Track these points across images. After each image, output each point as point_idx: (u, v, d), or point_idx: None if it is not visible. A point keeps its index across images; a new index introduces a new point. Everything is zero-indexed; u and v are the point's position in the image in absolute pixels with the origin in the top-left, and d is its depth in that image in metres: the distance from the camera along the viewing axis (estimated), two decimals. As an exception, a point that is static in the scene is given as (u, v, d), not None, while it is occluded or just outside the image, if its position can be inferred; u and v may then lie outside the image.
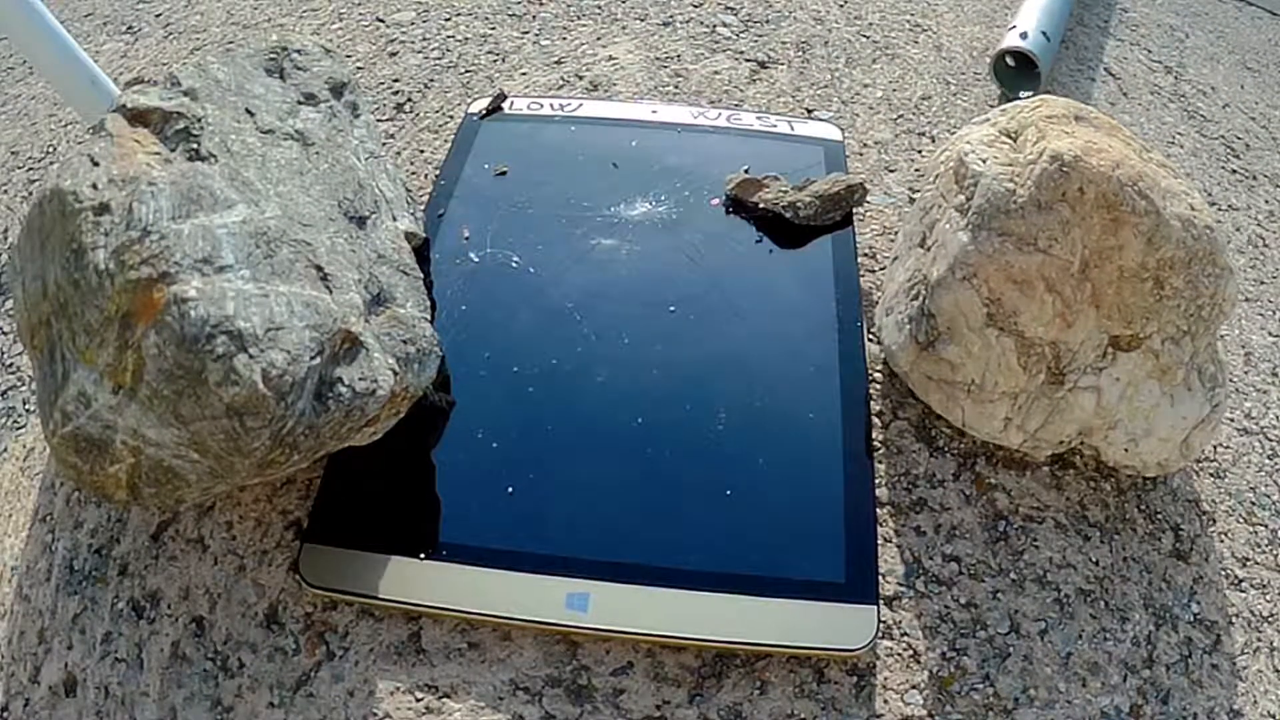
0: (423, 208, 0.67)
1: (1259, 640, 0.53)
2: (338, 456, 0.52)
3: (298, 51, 0.61)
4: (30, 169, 0.78)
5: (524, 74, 0.86)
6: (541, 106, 0.76)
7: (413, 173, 0.76)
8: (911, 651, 0.51)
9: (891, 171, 0.78)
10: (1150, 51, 0.97)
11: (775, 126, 0.76)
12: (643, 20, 0.92)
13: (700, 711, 0.48)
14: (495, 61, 0.87)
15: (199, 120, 0.52)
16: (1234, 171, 0.84)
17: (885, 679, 0.50)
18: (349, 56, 0.87)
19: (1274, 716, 0.51)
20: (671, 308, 0.62)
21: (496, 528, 0.52)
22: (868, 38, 0.92)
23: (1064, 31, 0.91)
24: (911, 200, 0.74)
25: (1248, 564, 0.57)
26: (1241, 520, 0.59)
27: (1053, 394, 0.53)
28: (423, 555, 0.51)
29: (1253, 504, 0.59)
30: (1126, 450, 0.55)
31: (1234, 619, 0.54)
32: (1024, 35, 0.83)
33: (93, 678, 0.50)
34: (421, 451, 0.55)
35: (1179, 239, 0.50)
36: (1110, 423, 0.54)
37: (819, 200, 0.66)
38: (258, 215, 0.48)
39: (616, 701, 0.48)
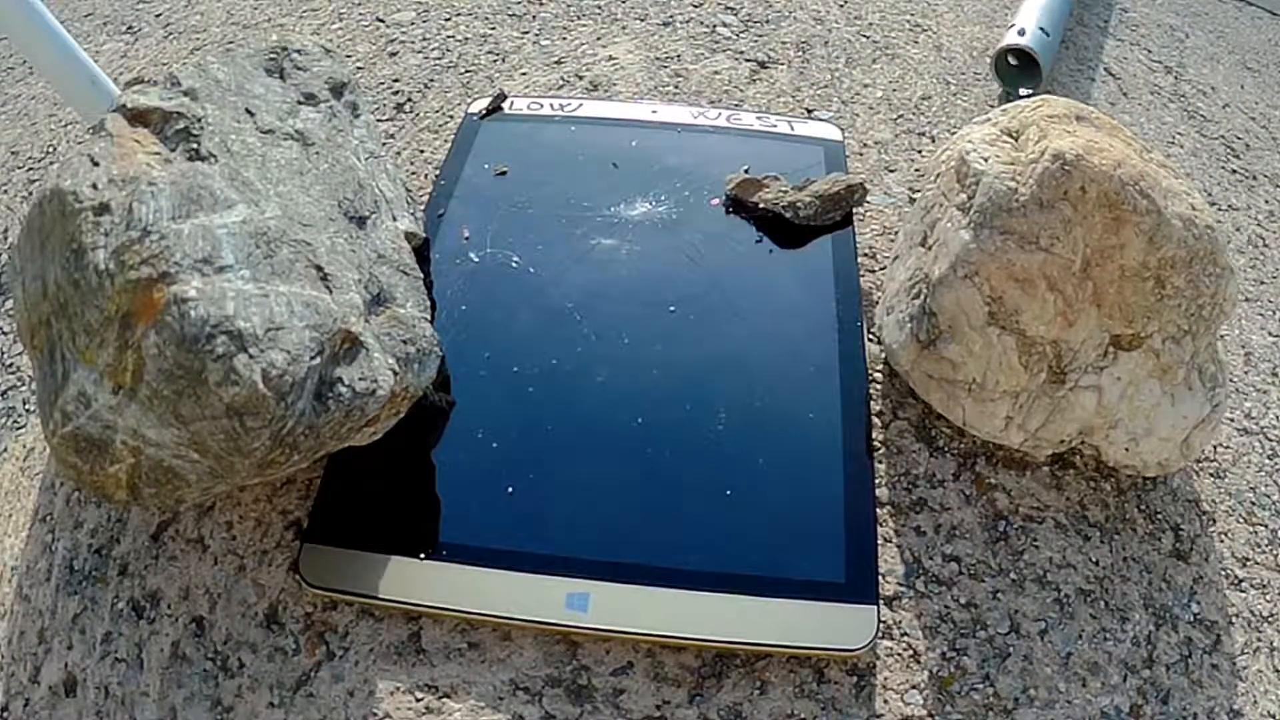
0: (423, 208, 0.67)
1: (1259, 640, 0.53)
2: (338, 456, 0.52)
3: (298, 51, 0.61)
4: (30, 169, 0.78)
5: (524, 74, 0.86)
6: (541, 106, 0.76)
7: (413, 173, 0.76)
8: (911, 651, 0.51)
9: (891, 171, 0.78)
10: (1150, 51, 0.97)
11: (775, 126, 0.76)
12: (643, 20, 0.92)
13: (700, 711, 0.48)
14: (495, 61, 0.87)
15: (199, 120, 0.52)
16: (1234, 171, 0.84)
17: (885, 679, 0.50)
18: (349, 56, 0.87)
19: (1274, 716, 0.51)
20: (671, 308, 0.62)
21: (496, 528, 0.52)
22: (868, 38, 0.92)
23: (1064, 28, 0.91)
24: (911, 200, 0.74)
25: (1248, 564, 0.57)
26: (1241, 520, 0.59)
27: (1054, 393, 0.53)
28: (423, 555, 0.51)
29: (1253, 504, 0.59)
30: (1127, 450, 0.55)
31: (1234, 619, 0.54)
32: (1021, 32, 0.84)
33: (93, 678, 0.50)
34: (421, 451, 0.54)
35: (1180, 238, 0.50)
36: (1111, 422, 0.54)
37: (819, 200, 0.66)
38: (258, 215, 0.48)
39: (616, 701, 0.48)
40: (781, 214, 0.67)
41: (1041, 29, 0.84)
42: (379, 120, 0.80)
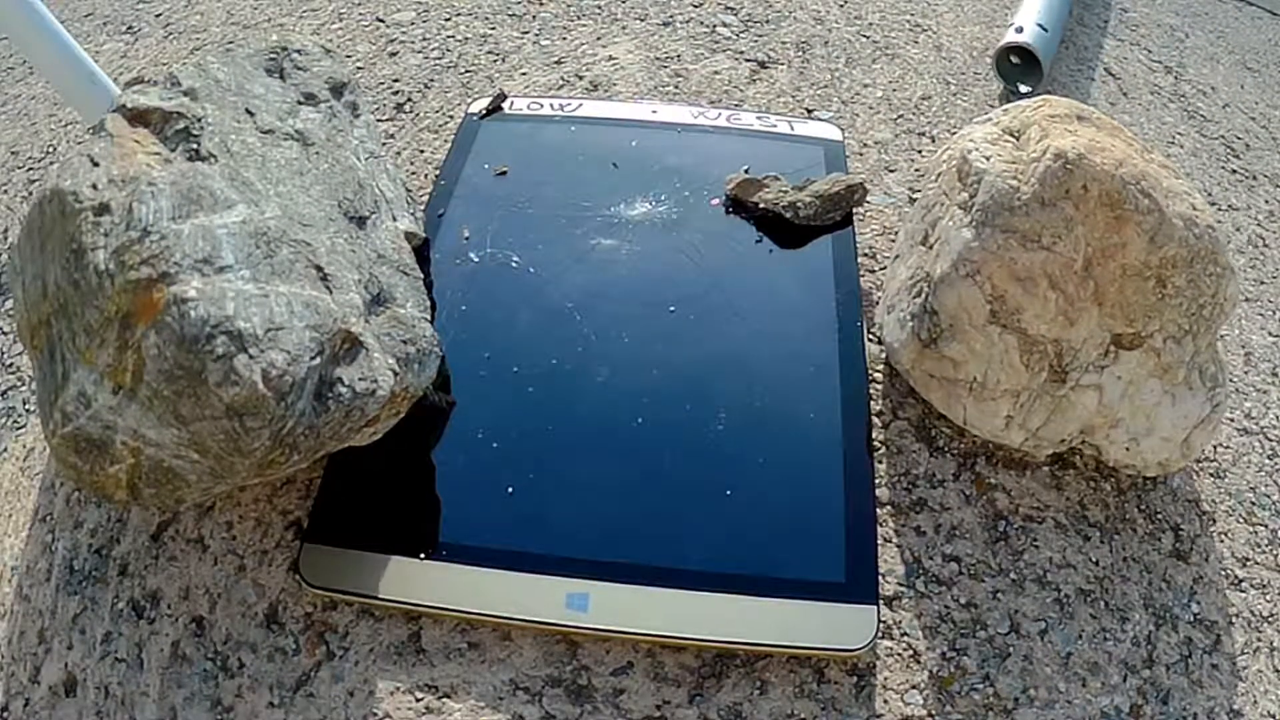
0: (423, 208, 0.67)
1: (1259, 640, 0.53)
2: (338, 456, 0.52)
3: (298, 51, 0.61)
4: (30, 169, 0.78)
5: (524, 74, 0.86)
6: (541, 106, 0.76)
7: (413, 173, 0.76)
8: (911, 651, 0.51)
9: (891, 171, 0.77)
10: (1150, 51, 0.97)
11: (775, 126, 0.76)
12: (643, 20, 0.92)
13: (700, 711, 0.48)
14: (495, 61, 0.87)
15: (199, 120, 0.51)
16: (1234, 171, 0.84)
17: (885, 679, 0.50)
18: (349, 56, 0.87)
19: (1274, 716, 0.51)
20: (671, 308, 0.62)
21: (496, 528, 0.52)
22: (868, 38, 0.92)
23: (1064, 23, 0.91)
24: (911, 200, 0.74)
25: (1248, 564, 0.57)
26: (1241, 520, 0.59)
27: (1055, 392, 0.53)
28: (423, 555, 0.51)
29: (1253, 504, 0.59)
30: (1128, 449, 0.55)
31: (1234, 619, 0.54)
32: (1019, 30, 0.84)
33: (93, 678, 0.50)
34: (421, 451, 0.54)
35: (1181, 238, 0.50)
36: (1112, 421, 0.54)
37: (819, 200, 0.66)
38: (258, 215, 0.48)
39: (616, 701, 0.48)
40: (781, 214, 0.67)
41: (1040, 25, 0.84)
42: (379, 120, 0.80)
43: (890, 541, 0.55)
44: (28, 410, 0.62)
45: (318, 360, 0.45)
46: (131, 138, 0.49)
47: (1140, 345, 0.52)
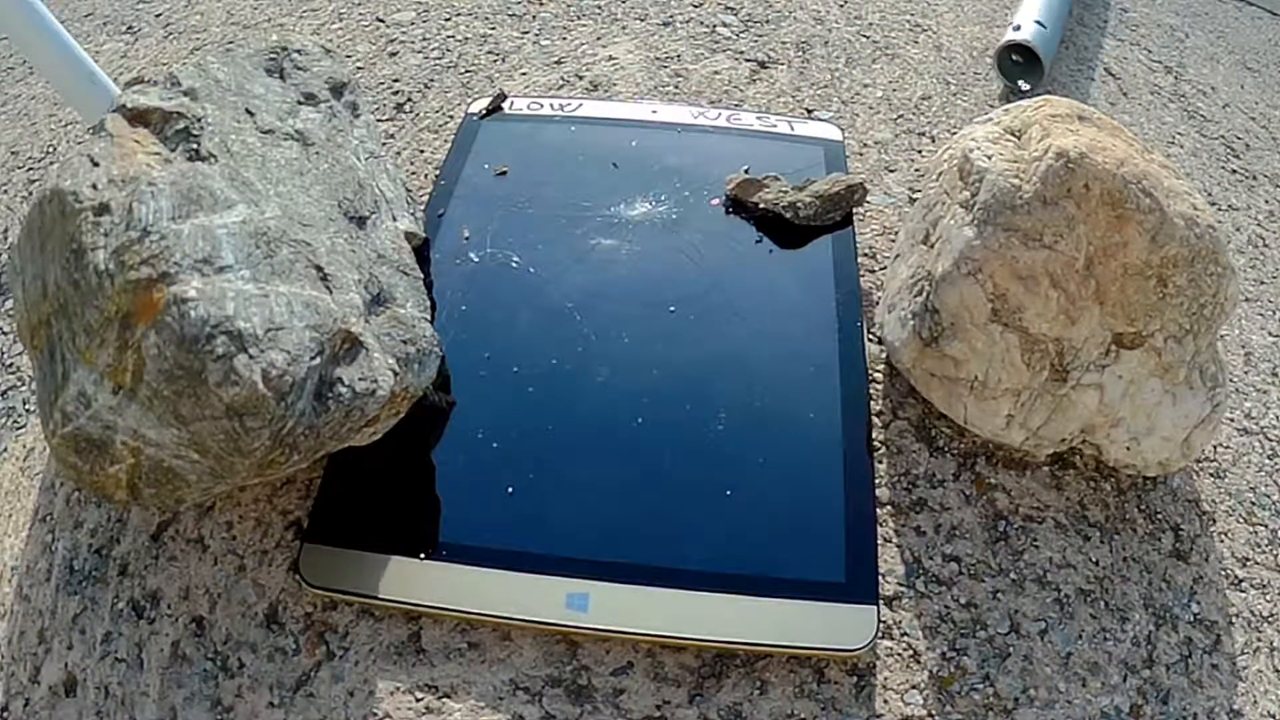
0: (423, 208, 0.67)
1: (1259, 640, 0.53)
2: (338, 456, 0.52)
3: (298, 51, 0.61)
4: (30, 169, 0.78)
5: (524, 74, 0.86)
6: (541, 106, 0.76)
7: (413, 173, 0.76)
8: (911, 651, 0.51)
9: (891, 171, 0.77)
10: (1150, 51, 0.97)
11: (775, 126, 0.76)
12: (643, 20, 0.92)
13: (700, 711, 0.48)
14: (495, 61, 0.87)
15: (199, 120, 0.51)
16: (1234, 171, 0.84)
17: (885, 679, 0.50)
18: (349, 56, 0.87)
19: (1274, 716, 0.51)
20: (671, 308, 0.62)
21: (496, 528, 0.52)
22: (868, 38, 0.92)
23: (1064, 21, 0.91)
24: (912, 200, 0.74)
25: (1248, 564, 0.57)
26: (1241, 520, 0.59)
27: (1055, 391, 0.53)
28: (423, 555, 0.50)
29: (1253, 504, 0.59)
30: (1128, 449, 0.55)
31: (1234, 619, 0.54)
32: (1017, 28, 0.84)
33: (93, 678, 0.50)
34: (421, 451, 0.54)
35: (1182, 237, 0.50)
36: (1112, 420, 0.54)
37: (819, 200, 0.66)
38: (258, 215, 0.48)
39: (616, 701, 0.48)
40: (781, 214, 0.67)
41: (1039, 23, 0.84)
42: (379, 120, 0.80)
43: (890, 541, 0.55)
44: (28, 410, 0.62)
45: (318, 360, 0.45)
46: (131, 138, 0.49)
47: (1141, 344, 0.52)
